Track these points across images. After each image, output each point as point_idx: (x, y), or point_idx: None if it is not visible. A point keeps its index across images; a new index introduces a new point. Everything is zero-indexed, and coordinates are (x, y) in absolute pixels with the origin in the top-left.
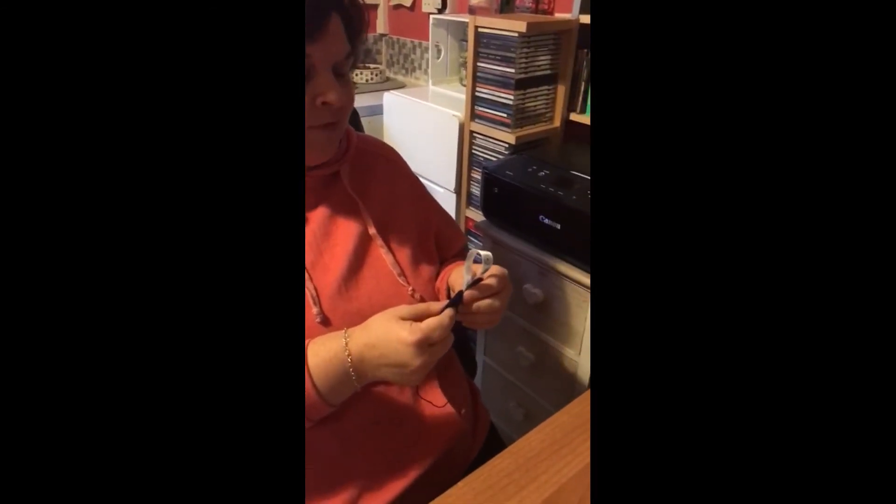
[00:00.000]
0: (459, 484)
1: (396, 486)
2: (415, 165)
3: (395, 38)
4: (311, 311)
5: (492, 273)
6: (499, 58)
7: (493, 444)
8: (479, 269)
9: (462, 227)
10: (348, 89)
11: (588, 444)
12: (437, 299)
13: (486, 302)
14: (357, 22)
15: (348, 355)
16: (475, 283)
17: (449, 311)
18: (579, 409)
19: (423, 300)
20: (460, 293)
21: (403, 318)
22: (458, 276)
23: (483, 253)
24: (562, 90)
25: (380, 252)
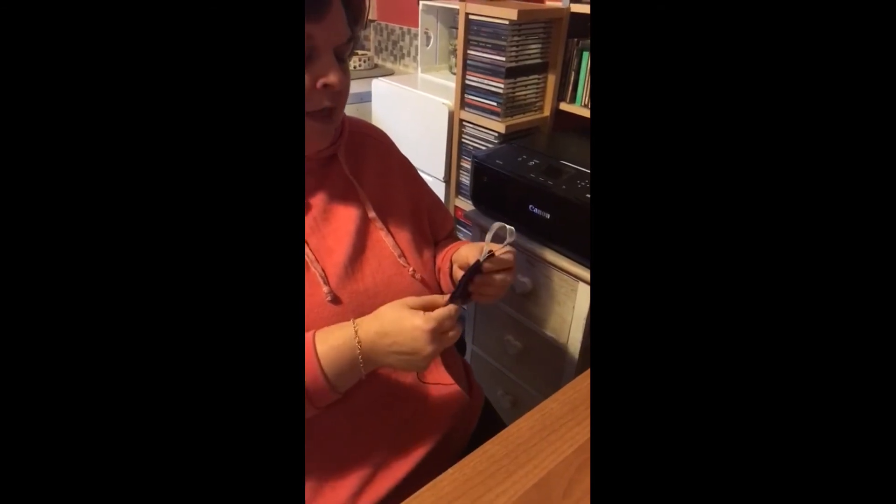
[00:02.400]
0: (450, 470)
1: (407, 464)
2: (403, 153)
3: (383, 24)
4: (322, 290)
5: (506, 250)
6: (489, 46)
7: (489, 417)
8: (496, 249)
9: None
10: (347, 75)
11: (575, 430)
12: (435, 280)
13: (500, 276)
14: (357, 7)
15: (358, 342)
16: (490, 256)
17: (454, 305)
18: (567, 397)
19: (423, 280)
20: (478, 263)
21: (413, 308)
22: (467, 253)
23: (508, 227)
24: (552, 79)
25: (380, 234)
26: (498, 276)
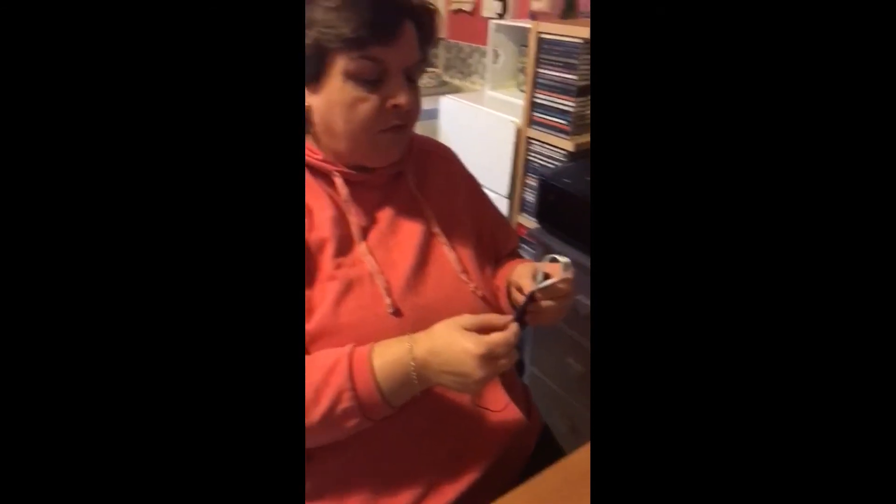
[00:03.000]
0: (507, 496)
1: (460, 485)
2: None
3: (452, 42)
4: (384, 302)
5: (563, 278)
6: (560, 64)
7: (546, 442)
8: (552, 269)
9: None
10: (417, 95)
11: None
12: (496, 297)
13: (553, 304)
14: (429, 29)
15: (412, 359)
16: (547, 285)
17: (514, 327)
18: None
19: (484, 297)
20: (531, 294)
21: (467, 328)
22: (522, 275)
23: (563, 259)
24: None
25: (443, 250)
26: (551, 305)
